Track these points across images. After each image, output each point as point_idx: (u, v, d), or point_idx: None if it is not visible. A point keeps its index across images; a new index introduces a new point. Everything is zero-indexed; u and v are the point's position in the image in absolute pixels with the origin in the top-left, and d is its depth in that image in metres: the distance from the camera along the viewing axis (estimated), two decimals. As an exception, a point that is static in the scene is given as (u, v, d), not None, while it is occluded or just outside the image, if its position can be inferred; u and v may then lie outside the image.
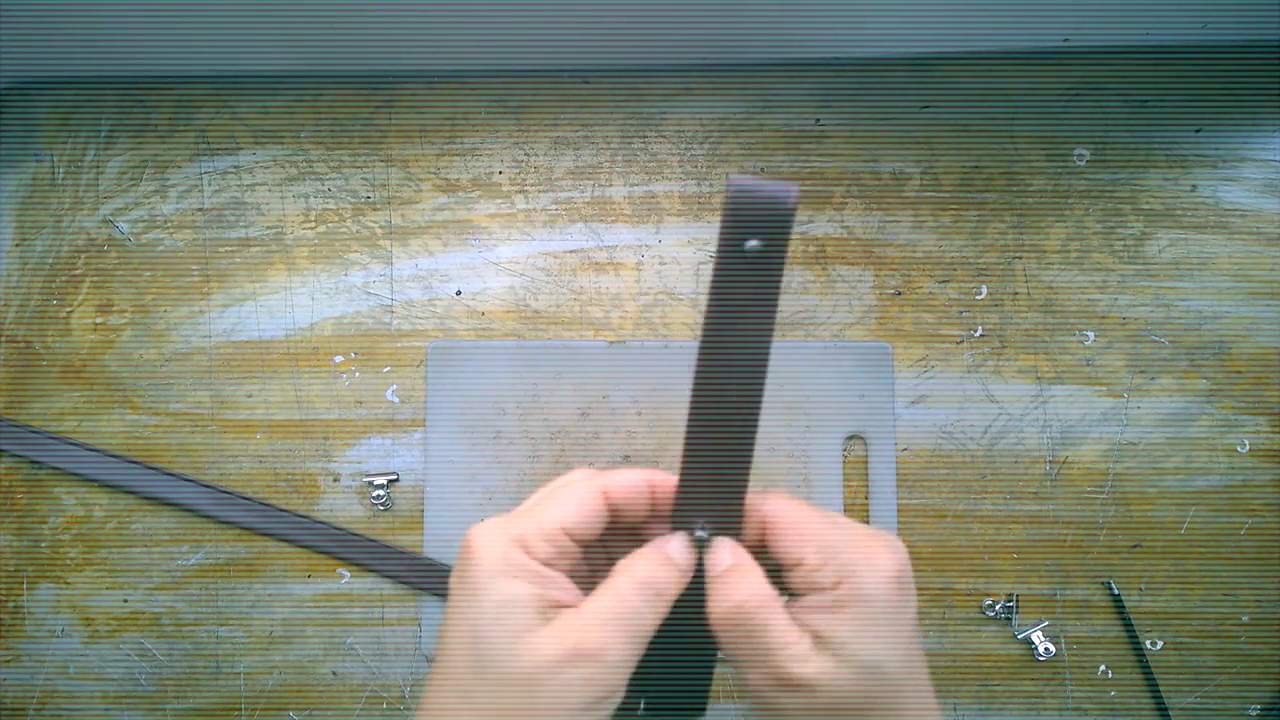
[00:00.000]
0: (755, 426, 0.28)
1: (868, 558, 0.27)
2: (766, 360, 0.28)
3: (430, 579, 0.50)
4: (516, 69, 0.54)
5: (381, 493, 0.51)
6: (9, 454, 0.52)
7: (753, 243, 0.26)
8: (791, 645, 0.26)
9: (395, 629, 0.51)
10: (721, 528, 0.29)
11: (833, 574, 0.27)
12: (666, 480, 0.29)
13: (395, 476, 0.51)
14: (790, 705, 0.26)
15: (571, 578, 0.28)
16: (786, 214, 0.26)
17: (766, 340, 0.28)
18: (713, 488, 0.29)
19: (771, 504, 0.29)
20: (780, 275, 0.27)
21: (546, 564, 0.27)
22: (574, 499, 0.28)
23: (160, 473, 0.51)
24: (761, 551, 0.29)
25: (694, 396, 0.29)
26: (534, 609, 0.25)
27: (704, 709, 0.32)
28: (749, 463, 0.29)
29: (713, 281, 0.27)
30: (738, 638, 0.27)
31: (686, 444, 0.29)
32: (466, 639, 0.25)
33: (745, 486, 0.29)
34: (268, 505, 0.51)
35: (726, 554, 0.28)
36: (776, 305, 0.27)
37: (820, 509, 0.29)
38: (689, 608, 0.29)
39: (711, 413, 0.28)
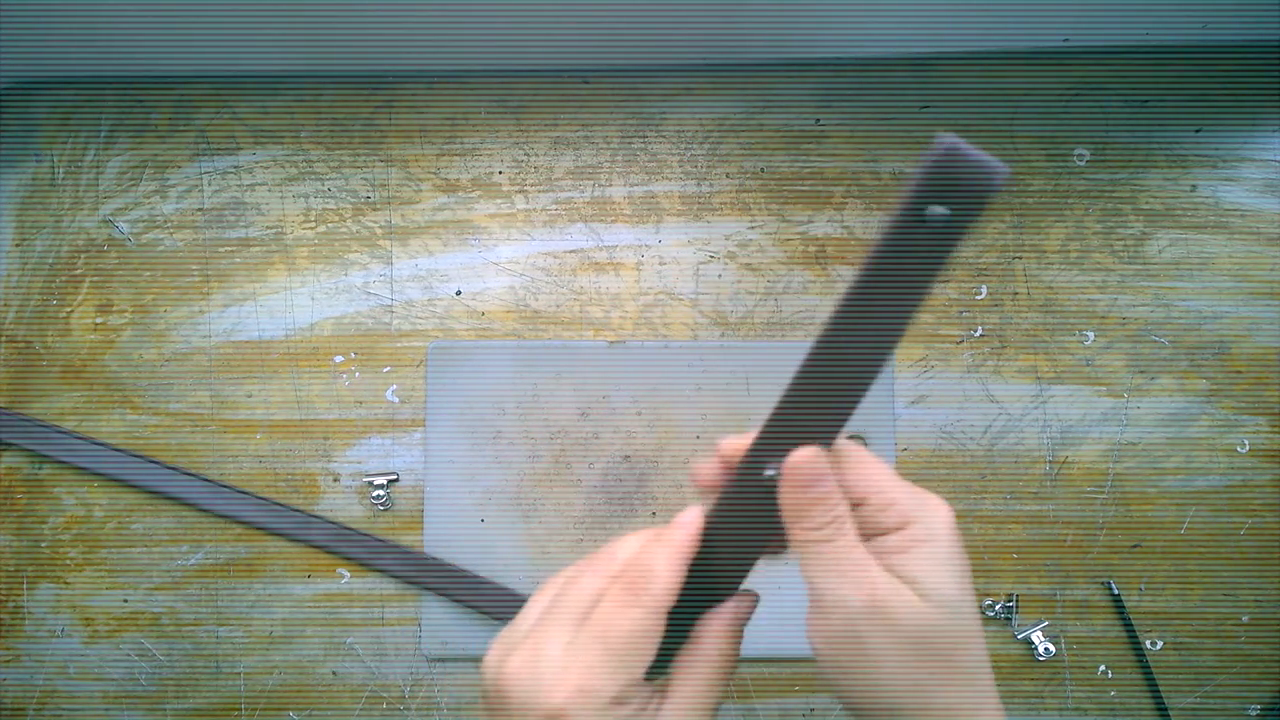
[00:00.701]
0: (865, 392, 0.28)
1: (926, 504, 0.28)
2: (905, 328, 0.27)
3: (430, 576, 0.50)
4: (516, 69, 0.54)
5: (381, 493, 0.51)
6: (13, 446, 0.52)
7: (938, 209, 0.24)
8: (880, 572, 0.26)
9: (395, 629, 0.51)
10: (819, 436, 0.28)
11: (897, 516, 0.27)
12: (690, 545, 0.29)
13: (395, 476, 0.51)
14: (873, 635, 0.26)
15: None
16: (989, 191, 0.24)
17: (912, 309, 0.26)
18: (806, 436, 0.28)
19: (838, 443, 0.29)
20: (953, 250, 0.25)
21: (638, 704, 0.26)
22: (648, 636, 0.26)
23: (163, 467, 0.51)
24: None
25: (819, 345, 0.27)
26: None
27: None
28: (846, 420, 0.28)
29: (881, 237, 0.25)
30: (832, 562, 0.27)
31: (791, 391, 0.28)
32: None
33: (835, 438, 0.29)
34: (270, 501, 0.51)
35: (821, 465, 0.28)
36: (934, 279, 0.26)
37: (875, 456, 0.30)
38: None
39: (832, 367, 0.27)
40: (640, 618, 0.26)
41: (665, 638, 0.27)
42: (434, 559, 0.50)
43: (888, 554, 0.27)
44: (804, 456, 0.27)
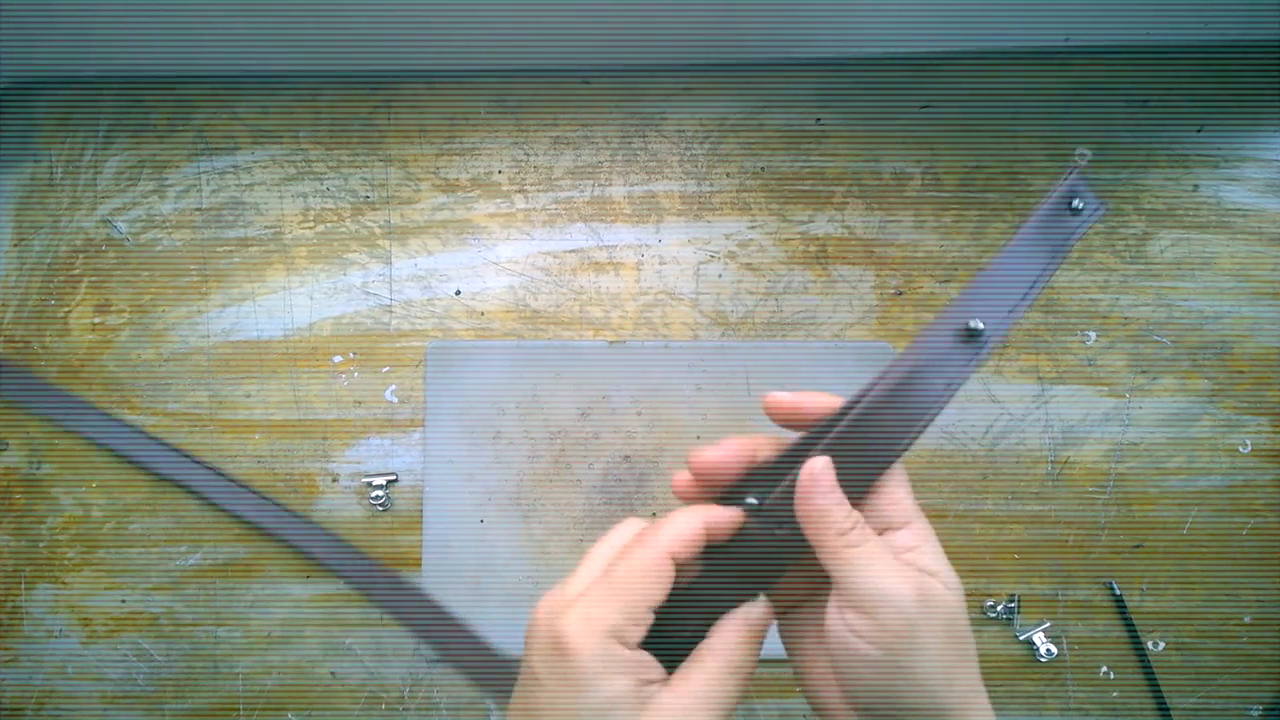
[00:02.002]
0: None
1: (915, 505, 0.29)
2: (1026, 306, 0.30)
3: (420, 615, 0.49)
4: (516, 68, 0.54)
5: (380, 493, 0.51)
6: (19, 412, 0.52)
7: (1078, 203, 0.31)
8: (910, 566, 0.27)
9: (394, 630, 0.50)
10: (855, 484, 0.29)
11: (902, 514, 0.28)
12: (721, 515, 0.29)
13: (394, 477, 0.51)
14: (922, 622, 0.26)
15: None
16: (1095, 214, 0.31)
17: (1040, 280, 0.30)
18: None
19: (813, 459, 0.30)
20: (1076, 239, 0.31)
21: (636, 648, 0.27)
22: (651, 576, 0.27)
23: (173, 451, 0.51)
24: None
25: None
26: (635, 699, 0.26)
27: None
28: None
29: (1032, 224, 0.31)
30: (870, 560, 0.27)
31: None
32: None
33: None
34: (273, 501, 0.50)
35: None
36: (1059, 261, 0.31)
37: None
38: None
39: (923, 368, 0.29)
40: (643, 555, 0.27)
41: (682, 636, 0.28)
42: (428, 599, 0.49)
43: (904, 550, 0.28)
44: (818, 465, 0.28)
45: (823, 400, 0.30)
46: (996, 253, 0.30)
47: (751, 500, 0.29)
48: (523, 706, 0.27)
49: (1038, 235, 0.31)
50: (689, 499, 0.31)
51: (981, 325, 0.29)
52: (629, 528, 0.30)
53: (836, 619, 0.27)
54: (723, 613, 0.29)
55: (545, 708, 0.27)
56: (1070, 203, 0.31)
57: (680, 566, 0.28)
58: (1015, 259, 0.31)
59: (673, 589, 0.28)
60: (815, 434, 0.29)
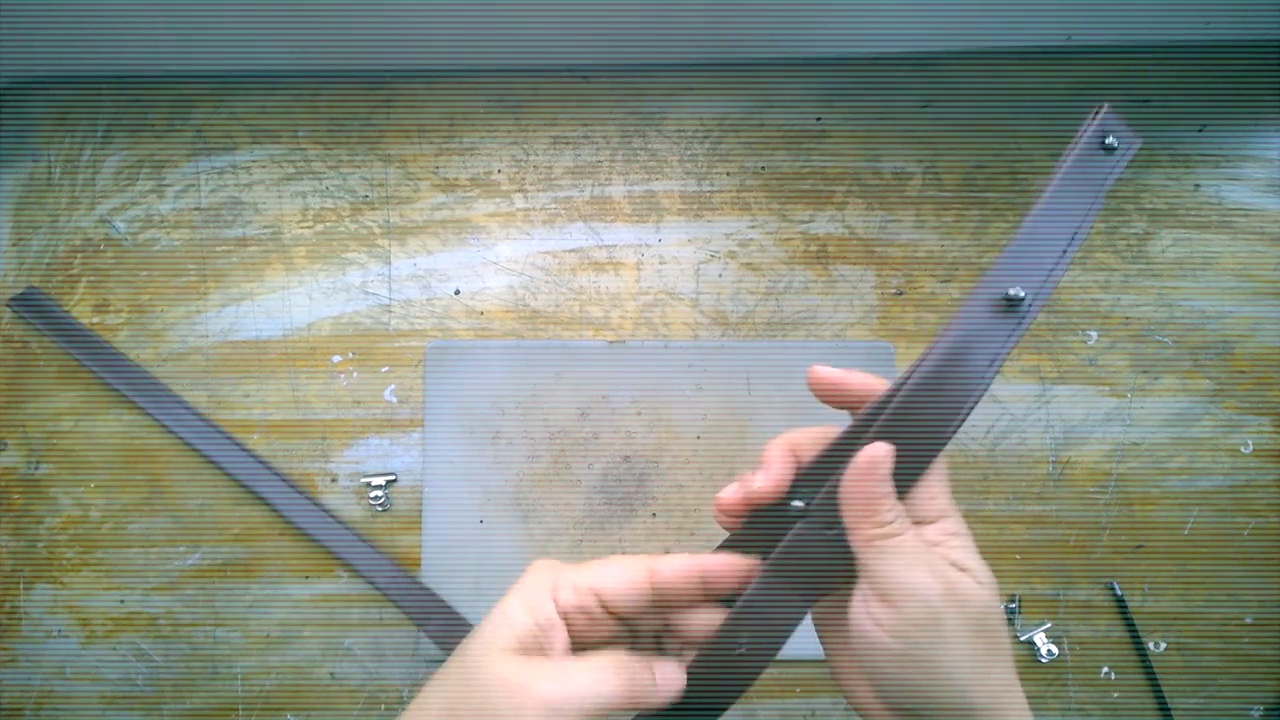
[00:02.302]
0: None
1: (951, 500, 0.29)
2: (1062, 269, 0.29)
3: (417, 605, 0.49)
4: (516, 67, 0.53)
5: (379, 494, 0.51)
6: (49, 335, 0.52)
7: (1111, 139, 0.30)
8: (943, 561, 0.27)
9: (393, 631, 0.50)
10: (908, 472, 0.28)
11: (937, 509, 0.28)
12: (719, 566, 0.29)
13: (394, 477, 0.51)
14: (949, 617, 0.26)
15: (599, 644, 0.28)
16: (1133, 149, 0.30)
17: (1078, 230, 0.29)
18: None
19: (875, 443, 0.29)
20: (1113, 180, 0.30)
21: (562, 614, 0.28)
22: (617, 567, 0.28)
23: (184, 405, 0.51)
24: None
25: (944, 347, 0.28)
26: (517, 634, 0.27)
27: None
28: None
29: (1068, 163, 0.30)
30: (903, 553, 0.27)
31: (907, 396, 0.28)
32: (470, 631, 0.28)
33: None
34: (287, 481, 0.51)
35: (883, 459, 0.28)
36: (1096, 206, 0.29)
37: None
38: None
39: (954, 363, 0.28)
40: (553, 567, 0.29)
41: (748, 657, 0.28)
42: (429, 592, 0.49)
43: (935, 545, 0.28)
44: (880, 450, 0.27)
45: (869, 381, 0.29)
46: (1027, 210, 0.29)
47: (798, 503, 0.29)
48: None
49: (1071, 183, 0.29)
50: (730, 525, 0.30)
51: (1022, 293, 0.27)
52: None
53: (860, 609, 0.27)
54: (787, 628, 0.28)
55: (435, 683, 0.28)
56: (1103, 140, 0.30)
57: (726, 586, 0.29)
58: (1050, 213, 0.29)
59: (732, 603, 0.28)
60: (860, 425, 0.28)
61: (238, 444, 0.51)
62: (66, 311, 0.52)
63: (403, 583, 0.49)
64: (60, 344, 0.51)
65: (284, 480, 0.50)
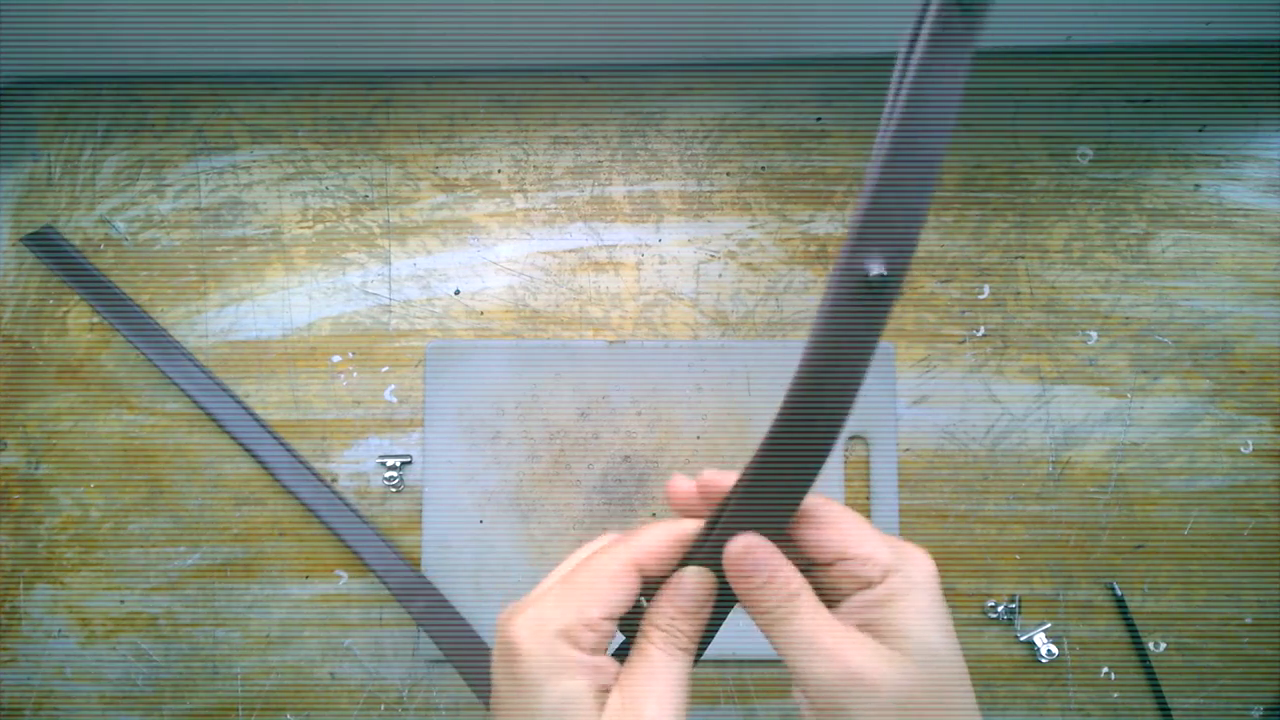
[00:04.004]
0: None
1: (905, 554, 0.27)
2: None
3: (417, 597, 0.49)
4: (515, 66, 0.53)
5: (394, 474, 0.50)
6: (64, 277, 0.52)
7: (877, 268, 0.24)
8: (850, 639, 0.25)
9: (393, 631, 0.50)
10: (772, 522, 0.27)
11: (877, 568, 0.26)
12: (692, 530, 0.29)
13: (409, 459, 0.51)
14: (854, 707, 0.25)
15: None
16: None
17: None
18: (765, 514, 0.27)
19: (808, 500, 0.28)
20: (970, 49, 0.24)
21: (594, 652, 0.26)
22: (609, 581, 0.27)
23: (193, 361, 0.51)
24: (791, 550, 0.28)
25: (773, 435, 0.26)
26: (592, 703, 0.25)
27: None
28: (816, 473, 0.26)
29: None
30: (795, 640, 0.26)
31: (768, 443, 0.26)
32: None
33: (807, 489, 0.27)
34: (301, 461, 0.51)
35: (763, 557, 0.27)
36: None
37: (848, 509, 0.29)
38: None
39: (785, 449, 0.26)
40: (604, 562, 0.27)
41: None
42: (429, 584, 0.49)
43: (871, 608, 0.26)
44: (740, 547, 0.27)
45: (718, 478, 0.29)
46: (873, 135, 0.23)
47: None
48: (495, 711, 0.27)
49: (923, 75, 0.23)
50: (688, 512, 0.30)
51: (885, 270, 0.23)
52: (602, 540, 0.30)
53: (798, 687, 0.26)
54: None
55: (503, 710, 0.26)
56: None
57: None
58: (901, 134, 0.23)
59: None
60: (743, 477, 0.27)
61: (239, 401, 0.51)
62: (81, 253, 0.52)
63: (412, 580, 0.49)
64: (72, 285, 0.52)
65: (282, 444, 0.51)
